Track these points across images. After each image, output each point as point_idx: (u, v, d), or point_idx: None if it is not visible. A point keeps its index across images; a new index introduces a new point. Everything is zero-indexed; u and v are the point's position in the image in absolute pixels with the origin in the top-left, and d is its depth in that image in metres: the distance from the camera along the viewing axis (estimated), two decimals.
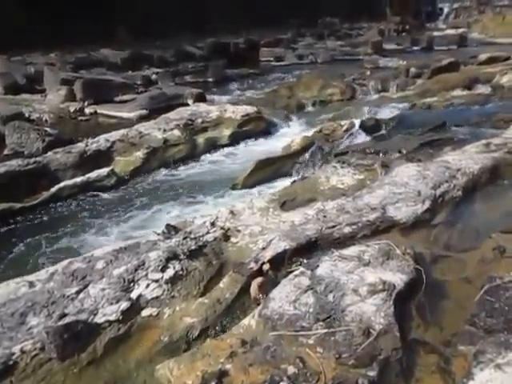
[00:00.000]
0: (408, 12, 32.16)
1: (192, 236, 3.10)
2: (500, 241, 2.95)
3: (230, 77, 11.98)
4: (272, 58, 15.27)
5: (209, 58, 13.37)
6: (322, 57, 14.87)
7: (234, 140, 6.62)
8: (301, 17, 22.59)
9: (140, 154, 5.90)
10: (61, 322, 2.36)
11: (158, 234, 3.27)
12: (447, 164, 3.95)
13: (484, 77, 8.94)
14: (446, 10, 35.92)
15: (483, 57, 11.98)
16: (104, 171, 5.48)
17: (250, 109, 7.09)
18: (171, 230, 3.32)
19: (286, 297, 2.38)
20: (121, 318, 2.44)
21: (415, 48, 17.38)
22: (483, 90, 8.33)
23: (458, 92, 7.98)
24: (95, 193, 5.17)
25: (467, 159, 4.10)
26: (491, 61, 11.56)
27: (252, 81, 11.72)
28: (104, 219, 4.52)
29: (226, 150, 6.44)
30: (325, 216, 3.22)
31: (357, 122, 5.94)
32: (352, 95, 8.77)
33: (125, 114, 7.48)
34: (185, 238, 3.05)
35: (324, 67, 13.40)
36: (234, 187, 4.95)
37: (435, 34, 21.95)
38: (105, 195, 5.14)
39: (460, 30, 22.13)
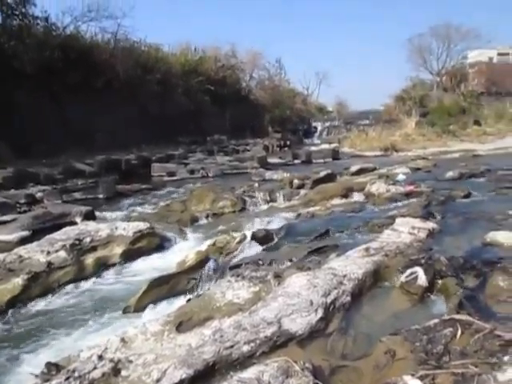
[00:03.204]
0: (287, 129, 35.77)
1: (76, 374, 2.75)
2: (390, 344, 3.06)
3: (121, 193, 11.84)
4: (164, 173, 15.57)
5: (99, 175, 13.22)
6: (212, 171, 15.55)
7: (126, 258, 6.33)
8: (191, 134, 23.83)
9: (19, 280, 5.33)
10: None
11: (36, 376, 2.85)
12: (334, 271, 4.14)
13: (357, 186, 9.96)
14: (319, 128, 40.67)
15: (354, 168, 13.51)
16: None
17: (143, 225, 6.95)
18: (52, 369, 2.92)
19: None
20: None
21: (296, 161, 19.03)
22: (358, 197, 9.23)
23: (336, 201, 8.73)
24: None
25: (351, 264, 4.34)
26: (361, 171, 13.09)
27: (144, 196, 11.70)
28: None
29: (118, 269, 6.10)
30: (222, 335, 3.10)
31: (249, 234, 6.10)
32: (243, 207, 9.11)
33: (3, 237, 6.85)
34: (67, 379, 2.69)
35: (215, 181, 13.97)
36: (125, 311, 4.61)
37: (312, 148, 24.54)
38: None
39: (333, 145, 24.97)
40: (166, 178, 15.22)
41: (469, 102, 32.18)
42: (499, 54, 41.87)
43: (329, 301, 3.60)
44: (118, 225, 6.97)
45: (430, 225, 5.71)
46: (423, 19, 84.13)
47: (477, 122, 29.21)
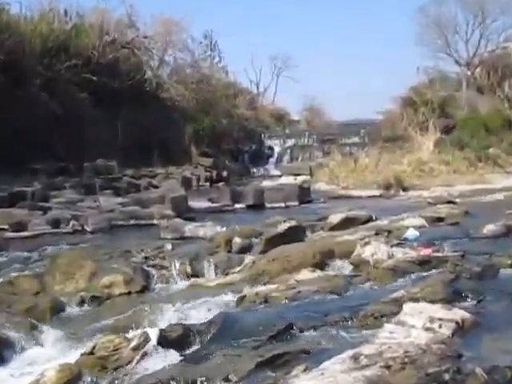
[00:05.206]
0: (224, 150, 36.02)
1: None
2: None
3: None
4: (7, 226, 15.23)
5: None
6: (92, 222, 15.35)
7: None
8: (56, 158, 23.50)
9: None
10: None
11: None
12: None
13: (340, 248, 10.11)
14: (277, 149, 41.01)
15: (336, 218, 13.71)
16: None
17: None
18: None
19: None
20: None
21: (238, 206, 19.21)
22: (341, 268, 9.37)
23: (305, 274, 8.78)
24: None
25: None
26: (347, 223, 13.28)
27: None
28: None
29: None
30: None
31: (154, 334, 6.01)
32: (144, 285, 9.03)
33: None
34: None
35: (97, 239, 13.79)
36: None
37: (266, 183, 24.75)
38: None
39: (300, 179, 25.43)
40: (10, 234, 14.89)
41: None
42: None
43: None
44: None
45: (459, 314, 5.87)
46: None
47: None
